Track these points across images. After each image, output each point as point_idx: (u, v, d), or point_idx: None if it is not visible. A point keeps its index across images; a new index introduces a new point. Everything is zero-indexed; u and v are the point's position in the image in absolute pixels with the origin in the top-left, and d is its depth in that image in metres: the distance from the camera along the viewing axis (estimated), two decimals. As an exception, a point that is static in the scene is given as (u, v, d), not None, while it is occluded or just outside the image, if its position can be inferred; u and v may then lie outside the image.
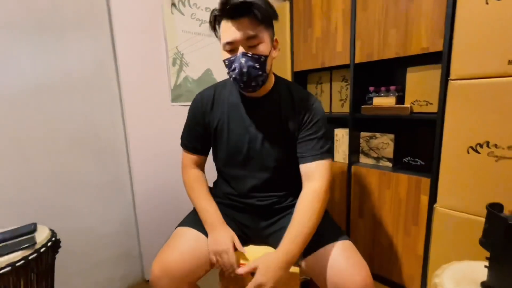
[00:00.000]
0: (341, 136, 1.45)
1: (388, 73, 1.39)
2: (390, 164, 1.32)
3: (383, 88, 1.31)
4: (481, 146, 0.95)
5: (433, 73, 1.11)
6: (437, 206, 1.08)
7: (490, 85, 0.90)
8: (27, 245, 0.80)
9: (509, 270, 0.51)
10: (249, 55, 0.71)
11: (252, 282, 0.67)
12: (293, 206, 0.84)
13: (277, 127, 0.82)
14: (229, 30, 0.71)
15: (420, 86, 1.17)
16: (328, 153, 0.81)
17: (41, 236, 0.87)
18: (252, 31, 0.70)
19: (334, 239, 0.77)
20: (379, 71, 1.39)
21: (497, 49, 0.87)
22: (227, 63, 0.75)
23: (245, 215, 0.89)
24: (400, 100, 1.26)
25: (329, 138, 0.84)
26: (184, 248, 0.78)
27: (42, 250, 0.83)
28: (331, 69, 1.50)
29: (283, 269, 0.69)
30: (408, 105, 1.19)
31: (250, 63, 0.71)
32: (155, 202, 1.40)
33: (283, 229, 0.76)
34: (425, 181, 1.13)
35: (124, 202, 1.34)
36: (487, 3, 0.87)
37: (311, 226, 0.74)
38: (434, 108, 1.11)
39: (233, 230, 0.83)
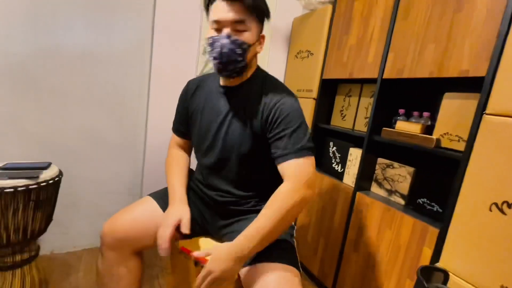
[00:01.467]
0: (355, 157, 1.30)
1: (421, 95, 1.18)
2: (402, 202, 1.12)
3: (415, 113, 1.12)
4: (509, 206, 0.72)
5: (473, 104, 0.89)
6: (438, 265, 0.87)
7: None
8: (30, 176, 0.97)
9: None
10: (233, 38, 0.71)
11: (203, 269, 0.67)
12: (255, 211, 0.80)
13: (242, 121, 0.79)
14: (221, 9, 0.71)
15: (455, 116, 0.95)
16: (301, 150, 0.73)
17: (49, 173, 1.05)
18: (241, 16, 0.71)
19: (284, 261, 0.71)
20: (410, 92, 1.19)
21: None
22: (210, 41, 0.73)
23: (206, 208, 0.89)
24: (428, 129, 1.05)
25: (304, 133, 0.75)
26: (137, 215, 0.83)
27: (42, 184, 0.99)
28: (362, 82, 1.35)
29: (232, 261, 0.66)
30: (435, 137, 0.98)
31: (232, 46, 0.70)
32: (160, 172, 1.52)
33: (237, 233, 0.71)
34: (433, 232, 0.92)
35: (135, 165, 1.50)
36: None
37: (271, 226, 0.67)
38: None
39: (195, 219, 0.85)
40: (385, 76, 1.12)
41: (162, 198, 0.88)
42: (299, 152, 0.73)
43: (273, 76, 0.87)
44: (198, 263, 0.76)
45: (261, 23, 0.76)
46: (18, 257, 1.05)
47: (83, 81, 1.30)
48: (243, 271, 0.73)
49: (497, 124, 0.74)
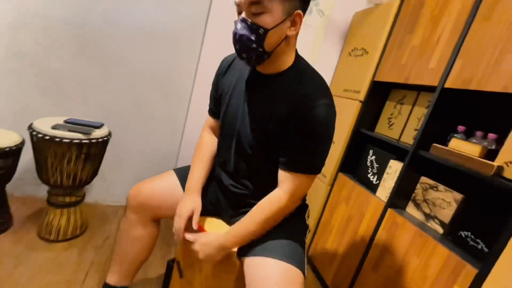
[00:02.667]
0: (394, 170, 1.18)
1: (489, 113, 1.00)
2: (440, 230, 0.99)
3: (479, 133, 0.96)
4: None
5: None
6: (468, 311, 0.75)
7: None
8: (85, 132, 1.12)
9: None
10: (248, 22, 0.63)
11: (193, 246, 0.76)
12: None
13: (267, 115, 0.72)
14: None
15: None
16: (309, 169, 0.70)
17: (100, 133, 1.19)
18: None
19: (289, 260, 0.69)
20: (477, 107, 1.02)
21: None
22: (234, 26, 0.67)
23: (222, 195, 0.89)
24: (490, 154, 0.89)
25: (321, 152, 0.70)
26: (158, 186, 0.89)
27: (93, 140, 1.13)
28: (420, 90, 1.20)
29: (216, 250, 0.74)
30: (496, 164, 0.82)
31: (245, 31, 0.63)
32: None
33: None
34: (469, 271, 0.79)
35: (173, 138, 1.61)
36: None
37: (256, 228, 0.72)
38: (533, 181, 0.73)
39: (210, 202, 0.88)
40: (448, 85, 0.97)
41: (183, 175, 0.91)
42: (305, 169, 0.70)
43: (313, 72, 0.74)
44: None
45: (292, 1, 0.63)
46: (67, 199, 1.23)
47: (141, 55, 1.42)
48: (247, 260, 0.73)
49: None
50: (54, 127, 1.08)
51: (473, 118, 1.03)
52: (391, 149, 1.26)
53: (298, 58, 0.74)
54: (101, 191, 1.59)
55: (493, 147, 0.92)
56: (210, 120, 0.94)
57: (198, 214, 0.81)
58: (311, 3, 1.54)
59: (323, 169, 1.59)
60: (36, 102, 1.36)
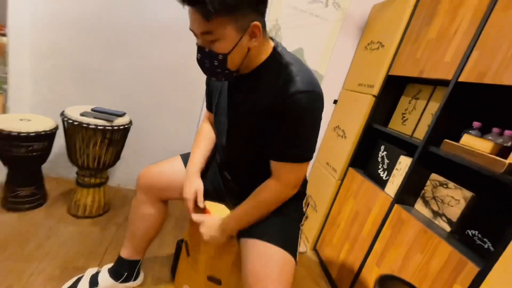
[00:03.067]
0: (404, 166, 1.15)
1: (506, 108, 0.94)
2: (448, 228, 0.96)
3: (496, 129, 0.92)
4: None
5: None
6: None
7: None
8: (108, 119, 1.23)
9: None
10: (206, 50, 0.63)
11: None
12: None
13: (249, 109, 0.73)
14: (190, 18, 0.63)
15: (545, 141, 0.74)
16: (298, 156, 0.70)
17: (122, 120, 1.30)
18: (205, 27, 0.60)
19: (280, 244, 0.73)
20: (495, 103, 0.97)
21: None
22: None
23: (223, 185, 0.93)
24: (504, 151, 0.85)
25: (305, 139, 0.69)
26: (165, 170, 0.96)
27: (115, 127, 1.24)
28: (436, 84, 1.16)
29: (218, 232, 0.79)
30: (508, 161, 0.79)
31: (206, 59, 0.65)
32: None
33: None
34: (471, 269, 0.77)
35: (189, 128, 1.69)
36: None
37: (253, 213, 0.77)
38: (545, 180, 0.69)
39: (215, 189, 0.93)
40: (462, 78, 0.93)
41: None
42: (295, 157, 0.71)
43: (296, 61, 0.70)
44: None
45: (241, 16, 0.60)
46: (92, 180, 1.36)
47: (160, 49, 1.51)
48: (243, 240, 0.78)
49: None
50: (82, 114, 1.20)
51: (490, 114, 0.98)
52: (403, 145, 1.23)
53: (274, 52, 0.71)
54: (123, 175, 1.72)
55: (509, 144, 0.87)
56: (208, 114, 1.00)
57: (201, 194, 0.86)
58: (327, -4, 1.53)
59: (333, 162, 1.59)
60: (68, 92, 1.50)
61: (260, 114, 0.70)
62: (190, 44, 1.50)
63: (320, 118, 0.70)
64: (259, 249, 0.71)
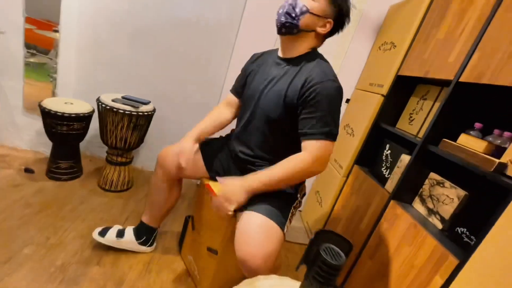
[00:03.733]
0: (404, 164, 1.17)
1: (507, 110, 0.94)
2: (440, 226, 0.98)
3: (497, 131, 0.92)
4: (546, 257, 0.57)
5: None
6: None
7: None
8: (134, 106, 1.40)
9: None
10: (299, 1, 0.84)
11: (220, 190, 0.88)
12: None
13: (282, 90, 0.88)
14: None
15: (536, 141, 0.74)
16: (326, 134, 0.82)
17: (146, 108, 1.47)
18: None
19: (269, 216, 0.83)
20: (500, 104, 0.96)
21: None
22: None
23: (233, 164, 1.05)
24: (498, 151, 0.85)
25: (332, 120, 0.83)
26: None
27: (139, 113, 1.41)
28: (443, 85, 1.16)
29: (240, 190, 0.84)
30: (498, 160, 0.80)
31: (293, 3, 0.84)
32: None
33: None
34: (451, 262, 0.80)
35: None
36: None
37: (279, 177, 0.84)
38: (528, 178, 0.70)
39: (222, 169, 1.05)
40: (462, 79, 0.95)
41: (202, 144, 1.11)
42: (323, 135, 0.82)
43: (325, 60, 0.92)
44: (210, 194, 0.98)
45: (332, 9, 0.86)
46: (119, 159, 1.55)
47: (185, 45, 1.67)
48: (238, 215, 0.89)
49: None
50: (113, 100, 1.39)
51: (493, 115, 0.98)
52: (408, 145, 1.25)
53: (314, 50, 0.94)
54: (146, 159, 1.92)
55: (507, 145, 0.87)
56: (231, 97, 1.13)
57: (185, 155, 1.01)
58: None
59: (340, 159, 1.63)
60: (104, 81, 1.72)
61: (293, 93, 0.86)
62: (211, 43, 1.65)
63: (339, 103, 0.86)
64: (250, 218, 0.81)
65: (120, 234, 1.16)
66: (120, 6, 1.59)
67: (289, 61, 0.92)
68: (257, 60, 1.05)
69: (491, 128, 0.93)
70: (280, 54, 0.95)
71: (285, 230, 0.85)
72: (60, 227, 1.22)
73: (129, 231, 1.18)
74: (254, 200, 0.87)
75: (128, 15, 1.60)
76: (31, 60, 1.59)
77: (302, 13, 0.84)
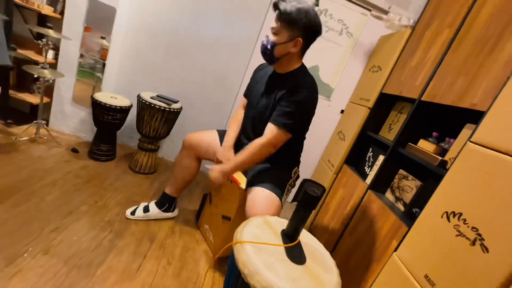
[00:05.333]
0: (380, 162, 1.48)
1: (454, 122, 1.24)
2: (402, 209, 1.28)
3: (447, 139, 1.23)
4: (454, 215, 0.88)
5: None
6: (394, 254, 1.06)
7: (493, 159, 0.81)
8: (167, 103, 1.73)
9: (296, 220, 0.75)
10: (269, 38, 1.09)
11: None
12: (265, 162, 1.24)
13: (275, 96, 1.17)
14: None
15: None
16: (279, 123, 1.10)
17: (176, 106, 1.80)
18: (274, 24, 1.08)
19: (270, 189, 1.14)
20: (450, 119, 1.27)
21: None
22: None
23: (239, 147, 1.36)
24: (443, 152, 1.16)
25: (293, 116, 1.10)
26: (204, 137, 1.40)
27: (171, 109, 1.74)
28: (413, 102, 1.48)
29: (220, 173, 1.18)
30: (441, 158, 1.11)
31: (264, 42, 1.10)
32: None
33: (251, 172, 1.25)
34: (403, 229, 1.10)
35: (222, 119, 2.16)
36: (540, 73, 0.76)
37: (249, 159, 1.16)
38: (456, 169, 1.01)
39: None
40: (423, 98, 1.27)
41: (221, 134, 1.41)
42: (280, 124, 1.11)
43: (309, 74, 1.17)
44: (231, 179, 1.30)
45: (294, 31, 1.05)
46: (149, 146, 1.87)
47: (208, 58, 2.01)
48: (247, 189, 1.19)
49: (475, 150, 0.88)
50: (151, 98, 1.72)
51: (449, 129, 1.29)
52: (385, 148, 1.56)
53: (302, 66, 1.19)
54: (168, 150, 2.23)
55: (446, 147, 1.18)
56: (243, 101, 1.44)
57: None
58: (342, 26, 1.92)
59: (333, 159, 1.94)
60: (140, 81, 2.05)
61: (277, 98, 1.14)
62: (231, 56, 2.00)
63: (308, 110, 1.13)
64: (256, 191, 1.12)
65: (146, 209, 1.46)
66: (159, 24, 1.94)
67: (282, 76, 1.18)
68: (260, 71, 1.34)
69: (444, 136, 1.25)
70: (275, 69, 1.23)
71: (282, 200, 1.16)
72: (104, 195, 1.53)
73: (152, 205, 1.48)
74: (262, 177, 1.18)
75: (164, 31, 1.95)
76: (80, 60, 1.93)
77: (272, 47, 1.08)
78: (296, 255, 0.70)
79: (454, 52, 1.18)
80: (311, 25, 1.07)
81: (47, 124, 1.98)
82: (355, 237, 1.40)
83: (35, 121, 1.79)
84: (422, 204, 1.17)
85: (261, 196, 1.11)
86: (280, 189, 1.17)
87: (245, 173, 1.36)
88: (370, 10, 1.88)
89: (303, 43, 1.09)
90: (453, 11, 1.28)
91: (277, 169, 1.23)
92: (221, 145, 1.37)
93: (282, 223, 0.86)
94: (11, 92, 1.89)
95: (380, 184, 1.44)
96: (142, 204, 1.49)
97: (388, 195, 1.41)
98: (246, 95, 1.42)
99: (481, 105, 0.95)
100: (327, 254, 0.82)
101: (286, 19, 1.04)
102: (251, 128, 1.29)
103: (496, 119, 0.85)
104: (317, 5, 1.87)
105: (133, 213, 1.44)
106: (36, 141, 1.81)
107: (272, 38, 1.08)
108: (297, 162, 1.31)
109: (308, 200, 0.72)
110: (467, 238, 0.81)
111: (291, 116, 1.10)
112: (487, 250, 0.75)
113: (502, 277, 0.69)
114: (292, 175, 1.28)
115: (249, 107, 1.32)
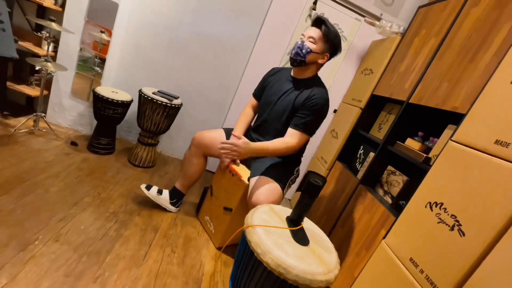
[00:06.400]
0: (370, 159, 1.60)
1: (438, 123, 1.37)
2: (390, 201, 1.40)
3: (431, 138, 1.36)
4: (436, 205, 0.99)
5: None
6: (383, 241, 1.18)
7: (471, 156, 0.92)
8: (169, 99, 1.78)
9: (301, 207, 0.83)
10: (305, 43, 1.25)
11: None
12: (266, 161, 1.34)
13: (291, 100, 1.30)
14: (308, 29, 1.28)
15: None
16: (307, 129, 1.26)
17: (176, 101, 1.84)
18: (314, 35, 1.25)
19: (274, 179, 1.23)
20: (435, 120, 1.40)
21: (492, 125, 0.88)
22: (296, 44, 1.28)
23: None
24: (428, 150, 1.29)
25: (313, 122, 1.27)
26: (212, 136, 1.47)
27: (172, 105, 1.79)
28: (401, 104, 1.60)
29: (247, 151, 1.25)
30: (425, 155, 1.23)
31: (301, 46, 1.25)
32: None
33: (258, 163, 1.35)
34: (391, 219, 1.22)
35: (220, 115, 2.22)
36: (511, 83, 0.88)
37: (269, 149, 1.27)
38: (438, 165, 1.13)
39: None
40: (411, 100, 1.39)
41: (228, 132, 1.49)
42: (304, 129, 1.24)
43: (321, 83, 1.35)
44: (233, 173, 1.37)
45: (327, 46, 1.26)
46: (149, 140, 1.91)
47: (208, 55, 2.07)
48: (251, 180, 1.27)
49: (455, 147, 1.00)
50: (154, 93, 1.76)
51: (433, 129, 1.42)
52: (375, 146, 1.68)
53: (317, 75, 1.37)
54: (165, 145, 2.27)
55: (430, 145, 1.31)
56: (253, 101, 1.54)
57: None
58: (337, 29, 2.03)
59: (325, 156, 2.05)
60: (141, 76, 2.08)
61: (295, 103, 1.28)
62: (231, 54, 2.07)
63: (323, 117, 1.28)
64: (261, 179, 1.21)
65: (160, 192, 1.53)
66: (161, 21, 1.97)
67: (299, 81, 1.33)
68: (274, 74, 1.45)
69: (429, 136, 1.37)
70: (292, 74, 1.37)
71: (284, 191, 1.25)
72: (107, 187, 1.57)
73: (166, 192, 1.55)
74: (266, 170, 1.26)
75: (166, 28, 1.99)
76: (80, 54, 1.94)
77: (307, 53, 1.24)
78: (301, 237, 0.79)
79: (439, 59, 1.30)
80: (339, 45, 1.30)
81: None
82: (347, 228, 1.51)
83: (34, 114, 1.79)
84: (408, 196, 1.29)
85: (266, 185, 1.19)
86: (283, 182, 1.26)
87: (248, 166, 1.44)
88: (363, 16, 1.99)
89: (329, 58, 1.30)
90: (439, 21, 1.40)
91: (282, 164, 1.32)
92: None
93: (286, 211, 0.94)
94: (8, 84, 1.87)
95: (370, 179, 1.56)
96: (156, 187, 1.54)
97: (378, 189, 1.53)
98: (256, 95, 1.51)
99: (462, 108, 1.07)
100: (326, 238, 0.92)
101: (327, 35, 1.23)
102: (265, 127, 1.38)
103: (474, 121, 0.97)
104: (314, 9, 1.96)
105: (148, 188, 1.50)
106: (35, 134, 1.81)
107: (309, 45, 1.24)
108: (299, 161, 1.42)
109: (312, 189, 0.81)
110: (446, 224, 0.92)
111: (314, 123, 1.27)
112: (464, 234, 0.87)
113: (476, 256, 0.81)
114: (294, 173, 1.37)
115: (264, 107, 1.41)
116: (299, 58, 1.25)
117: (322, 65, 1.33)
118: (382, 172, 1.53)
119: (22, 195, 1.27)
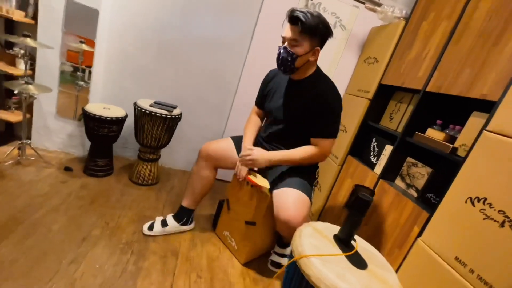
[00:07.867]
0: (388, 152, 1.55)
1: (456, 110, 1.34)
2: (415, 195, 1.36)
3: (451, 126, 1.31)
4: (478, 200, 0.95)
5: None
6: (419, 239, 1.14)
7: (513, 147, 0.88)
8: (169, 110, 1.64)
9: (351, 225, 0.76)
10: (288, 49, 1.08)
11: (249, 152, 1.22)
12: (283, 168, 1.25)
13: (298, 103, 1.19)
14: (286, 29, 1.08)
15: (474, 131, 1.14)
16: (330, 134, 1.18)
17: (176, 112, 1.71)
18: (295, 36, 1.05)
19: (300, 189, 1.15)
20: (454, 107, 1.36)
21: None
22: (278, 49, 1.12)
23: None
24: (452, 139, 1.25)
25: (335, 122, 1.18)
26: (221, 146, 1.37)
27: (173, 116, 1.66)
28: (414, 93, 1.56)
29: (265, 160, 1.20)
30: (451, 145, 1.19)
31: (284, 54, 1.09)
32: (236, 129, 2.09)
33: (272, 171, 1.27)
34: (424, 216, 1.17)
35: (220, 121, 2.11)
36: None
37: (296, 159, 1.20)
38: (470, 155, 1.09)
39: None
40: (428, 89, 1.33)
41: (237, 141, 1.40)
42: (328, 134, 1.16)
43: (326, 77, 1.22)
44: (252, 185, 1.28)
45: (314, 41, 1.07)
46: (151, 156, 1.77)
47: (202, 58, 1.93)
48: (275, 191, 1.19)
49: (493, 138, 0.95)
50: (151, 105, 1.62)
51: (451, 116, 1.38)
52: (389, 137, 1.63)
53: (317, 69, 1.21)
54: (166, 157, 2.14)
55: (458, 135, 1.27)
56: (256, 109, 1.44)
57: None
58: (335, 19, 1.94)
59: (336, 152, 1.99)
60: (131, 87, 1.92)
61: (304, 107, 1.17)
62: (226, 56, 1.94)
63: (341, 114, 1.18)
64: (286, 192, 1.12)
65: (164, 224, 1.40)
66: (147, 25, 1.81)
67: (300, 82, 1.21)
68: (273, 79, 1.33)
69: (447, 123, 1.33)
70: (291, 77, 1.23)
71: (311, 200, 1.18)
72: (114, 214, 1.44)
73: (170, 219, 1.42)
74: (288, 179, 1.18)
75: (154, 32, 1.82)
76: (61, 69, 1.75)
77: (294, 59, 1.08)
78: (358, 260, 0.72)
79: (455, 44, 1.24)
80: (327, 32, 1.12)
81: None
82: (372, 226, 1.47)
83: (19, 142, 1.60)
84: (438, 190, 1.26)
85: (293, 197, 1.11)
86: (308, 189, 1.18)
87: (265, 176, 1.35)
88: (362, 3, 1.90)
89: (320, 50, 1.14)
90: (449, 3, 1.34)
91: (302, 169, 1.24)
92: (237, 151, 1.35)
93: (330, 228, 0.87)
94: (-18, 110, 1.67)
95: (389, 172, 1.51)
96: (159, 219, 1.43)
97: (399, 182, 1.49)
98: (258, 104, 1.41)
99: (492, 95, 1.02)
100: (378, 253, 0.86)
101: (308, 30, 1.04)
102: (277, 136, 1.29)
103: (511, 108, 0.92)
104: (310, -2, 1.85)
105: (150, 228, 1.38)
106: (22, 164, 1.64)
107: (292, 50, 1.07)
108: (317, 164, 1.34)
109: (361, 204, 0.74)
110: (495, 220, 0.88)
111: (335, 126, 1.20)
112: (517, 230, 0.83)
113: (536, 254, 0.78)
114: (316, 176, 1.30)
115: (272, 116, 1.31)
116: (287, 67, 1.11)
117: (317, 58, 1.17)
118: (401, 165, 1.48)
119: (23, 239, 1.13)
